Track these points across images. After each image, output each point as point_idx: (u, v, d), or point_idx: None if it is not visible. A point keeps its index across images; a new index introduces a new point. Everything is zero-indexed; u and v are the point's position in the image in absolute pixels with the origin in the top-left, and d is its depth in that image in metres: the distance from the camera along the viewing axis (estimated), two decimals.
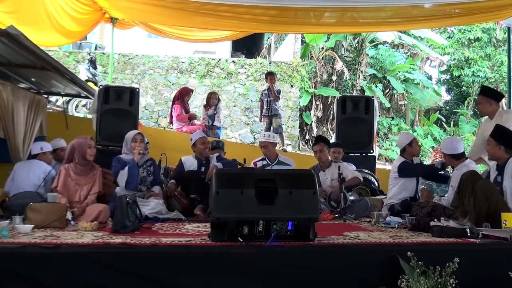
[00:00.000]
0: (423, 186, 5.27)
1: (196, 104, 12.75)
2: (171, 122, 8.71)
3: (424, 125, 16.89)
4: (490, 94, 5.16)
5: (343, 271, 2.98)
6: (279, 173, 3.73)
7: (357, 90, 14.74)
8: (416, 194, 5.12)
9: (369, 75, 15.67)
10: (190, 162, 5.44)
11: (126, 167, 4.65)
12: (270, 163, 5.79)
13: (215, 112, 8.65)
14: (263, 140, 5.94)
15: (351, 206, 5.12)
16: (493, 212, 3.83)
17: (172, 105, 8.66)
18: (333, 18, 7.38)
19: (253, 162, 5.83)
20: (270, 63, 14.25)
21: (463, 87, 18.43)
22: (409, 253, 2.83)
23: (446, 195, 4.71)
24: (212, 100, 8.66)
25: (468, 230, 3.46)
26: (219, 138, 8.27)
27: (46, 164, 5.17)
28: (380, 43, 15.93)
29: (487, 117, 5.16)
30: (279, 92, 9.06)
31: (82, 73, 10.11)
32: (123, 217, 3.64)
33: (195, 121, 8.80)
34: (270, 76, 9.11)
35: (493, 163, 4.38)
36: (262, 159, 5.83)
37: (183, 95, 8.61)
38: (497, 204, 3.87)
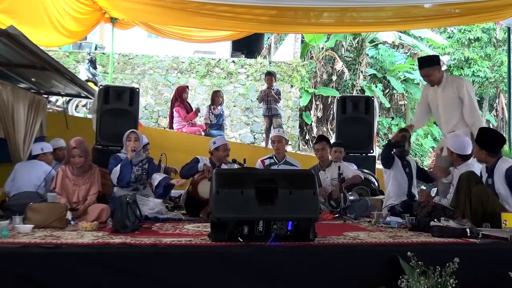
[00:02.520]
0: (422, 187, 5.28)
1: (196, 104, 12.76)
2: (171, 126, 8.63)
3: (424, 125, 16.87)
4: (434, 62, 4.98)
5: (343, 271, 2.98)
6: (279, 173, 3.73)
7: (357, 90, 14.74)
8: (411, 191, 5.14)
9: (369, 75, 15.67)
10: (205, 161, 5.29)
11: (119, 164, 4.66)
12: (277, 162, 5.78)
13: (221, 112, 8.68)
14: (277, 135, 5.96)
15: (351, 206, 5.12)
16: (490, 216, 3.84)
17: (172, 108, 8.61)
18: (333, 18, 7.38)
19: (260, 160, 5.82)
20: (270, 63, 14.25)
21: None
22: (409, 253, 2.83)
23: (447, 196, 4.71)
24: (217, 99, 8.68)
25: (468, 230, 3.46)
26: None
27: (46, 164, 5.18)
28: (380, 43, 15.94)
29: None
30: (278, 92, 9.06)
31: (82, 73, 10.12)
32: (123, 217, 3.63)
33: (196, 122, 8.80)
34: (267, 76, 9.14)
35: (483, 165, 4.38)
36: (270, 158, 5.83)
37: (180, 94, 8.59)
38: (494, 208, 3.88)
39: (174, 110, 8.53)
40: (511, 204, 4.05)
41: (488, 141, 4.25)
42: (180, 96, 8.56)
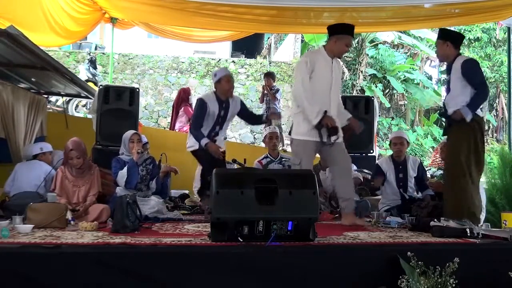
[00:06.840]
0: (435, 178, 5.30)
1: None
2: (173, 128, 8.59)
3: (424, 125, 16.89)
4: None
5: (343, 271, 2.98)
6: (279, 173, 3.73)
7: (357, 90, 14.75)
8: (405, 197, 5.15)
9: (369, 75, 15.68)
10: (212, 103, 4.86)
11: (126, 167, 4.65)
12: (273, 159, 5.79)
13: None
14: (272, 131, 5.97)
15: None
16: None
17: (178, 108, 8.53)
18: (333, 18, 7.35)
19: (257, 161, 5.82)
20: (270, 63, 14.26)
21: None
22: (409, 253, 2.82)
23: None
24: None
25: (468, 230, 3.47)
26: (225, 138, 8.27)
27: (46, 164, 5.17)
28: (380, 43, 15.94)
29: None
30: (277, 91, 9.05)
31: (82, 73, 10.12)
32: (123, 217, 3.63)
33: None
34: (266, 77, 9.15)
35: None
36: (265, 157, 5.84)
37: (186, 96, 8.56)
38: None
39: (180, 110, 8.47)
40: (459, 101, 4.08)
41: (450, 33, 4.35)
42: (186, 98, 8.54)
